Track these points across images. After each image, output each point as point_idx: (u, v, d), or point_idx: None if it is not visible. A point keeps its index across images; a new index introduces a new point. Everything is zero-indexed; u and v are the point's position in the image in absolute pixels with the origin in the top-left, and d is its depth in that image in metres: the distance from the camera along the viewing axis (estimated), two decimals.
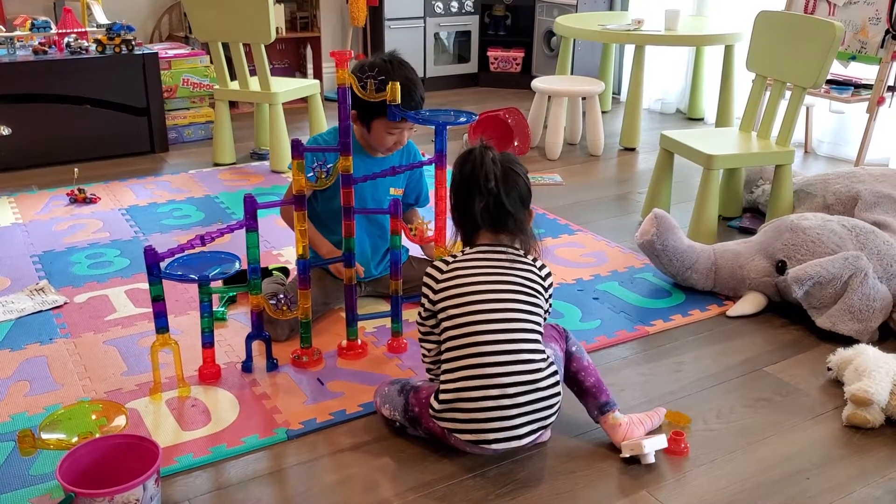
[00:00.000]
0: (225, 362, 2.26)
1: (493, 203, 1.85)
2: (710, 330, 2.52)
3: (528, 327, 1.80)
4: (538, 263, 1.89)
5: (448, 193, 1.99)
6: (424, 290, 1.89)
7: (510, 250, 1.88)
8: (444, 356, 1.83)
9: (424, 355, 1.96)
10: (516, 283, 1.84)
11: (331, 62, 5.51)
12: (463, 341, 1.79)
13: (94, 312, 2.56)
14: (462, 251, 1.90)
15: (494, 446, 1.79)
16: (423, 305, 1.89)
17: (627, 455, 1.85)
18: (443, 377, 1.82)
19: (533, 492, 1.79)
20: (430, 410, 1.84)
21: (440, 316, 1.84)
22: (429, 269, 1.90)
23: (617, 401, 1.96)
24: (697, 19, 4.89)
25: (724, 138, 3.37)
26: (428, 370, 1.98)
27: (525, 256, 1.89)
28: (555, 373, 1.82)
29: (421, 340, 1.95)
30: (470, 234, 1.92)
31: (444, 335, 1.83)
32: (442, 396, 1.81)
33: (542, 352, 1.81)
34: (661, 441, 1.87)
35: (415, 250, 2.72)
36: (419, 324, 1.92)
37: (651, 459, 1.85)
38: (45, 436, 1.72)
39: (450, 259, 1.88)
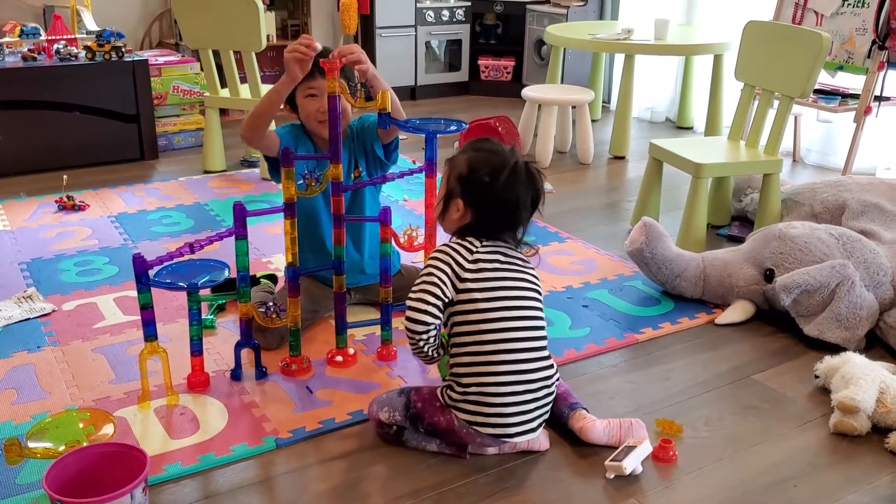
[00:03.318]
0: (214, 370, 2.25)
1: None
2: (699, 338, 2.53)
3: (543, 324, 1.91)
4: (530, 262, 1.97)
5: (481, 192, 1.87)
6: (446, 258, 1.85)
7: (513, 247, 1.93)
8: (466, 349, 1.84)
9: (417, 333, 1.84)
10: (530, 281, 1.91)
11: None
12: (492, 336, 1.82)
13: (83, 320, 2.55)
14: (480, 241, 1.88)
15: (515, 439, 1.87)
16: (429, 276, 1.83)
17: (611, 476, 1.84)
18: (463, 369, 1.85)
19: (522, 499, 1.79)
20: (447, 401, 1.87)
21: (462, 307, 1.83)
22: (454, 246, 1.87)
23: (606, 409, 2.00)
24: (687, 29, 4.92)
25: (712, 147, 3.39)
26: (418, 349, 1.89)
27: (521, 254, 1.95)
28: (555, 368, 1.93)
29: (422, 312, 1.82)
30: (483, 233, 1.90)
31: (467, 328, 1.84)
32: (463, 389, 1.84)
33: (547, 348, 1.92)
34: (643, 451, 1.87)
35: (403, 258, 2.72)
36: (426, 298, 1.81)
37: (639, 470, 1.86)
38: (31, 444, 1.71)
39: (471, 247, 1.87)
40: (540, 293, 1.93)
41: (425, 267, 1.89)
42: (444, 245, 1.90)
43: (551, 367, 1.90)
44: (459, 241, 1.90)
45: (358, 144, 2.48)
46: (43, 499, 1.72)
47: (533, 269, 1.94)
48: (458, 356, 1.87)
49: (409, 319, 1.84)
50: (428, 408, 1.90)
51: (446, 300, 1.84)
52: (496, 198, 1.87)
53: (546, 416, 1.92)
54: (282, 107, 2.44)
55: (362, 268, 2.54)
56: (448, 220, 1.94)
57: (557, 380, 1.94)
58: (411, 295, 1.86)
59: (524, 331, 1.85)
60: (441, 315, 1.86)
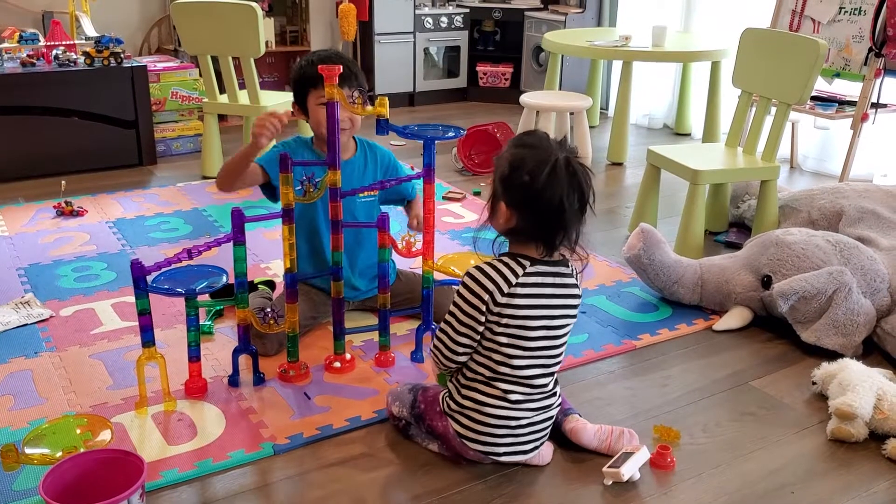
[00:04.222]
0: (211, 376, 2.25)
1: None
2: (697, 344, 2.53)
3: (562, 358, 1.87)
4: (575, 273, 1.84)
5: (522, 194, 1.71)
6: (483, 292, 1.73)
7: (563, 269, 1.80)
8: (472, 365, 1.83)
9: (450, 366, 1.85)
10: (566, 315, 1.81)
11: None
12: (500, 368, 1.80)
13: (80, 326, 2.54)
14: (524, 268, 1.75)
15: (503, 458, 1.86)
16: (464, 312, 1.76)
17: (609, 483, 1.84)
18: (465, 381, 1.84)
19: None
20: (445, 408, 1.87)
21: (486, 333, 1.78)
22: (494, 274, 1.73)
23: (604, 415, 2.01)
24: (684, 36, 4.93)
25: (710, 154, 3.40)
26: (444, 362, 1.87)
27: (571, 272, 1.82)
28: (559, 392, 1.92)
29: (452, 353, 1.81)
30: (531, 239, 1.76)
31: (485, 351, 1.80)
32: (460, 400, 1.84)
33: (557, 379, 1.91)
34: (641, 458, 1.87)
35: (402, 264, 2.71)
36: (451, 344, 1.80)
37: (637, 476, 1.86)
38: (28, 450, 1.71)
39: (512, 277, 1.73)
40: (574, 316, 1.83)
41: (460, 294, 1.77)
42: (488, 268, 1.76)
43: (554, 394, 1.88)
44: (505, 263, 1.75)
45: (380, 173, 2.54)
46: None
47: (577, 288, 1.82)
48: (464, 367, 1.86)
49: (436, 360, 1.86)
50: (429, 410, 1.91)
51: (480, 333, 1.79)
52: (537, 199, 1.69)
53: (544, 439, 1.90)
54: (293, 113, 2.46)
55: (353, 284, 2.54)
56: (496, 223, 1.78)
57: (559, 405, 1.92)
58: (443, 333, 1.81)
59: (535, 368, 1.80)
60: (475, 346, 1.81)
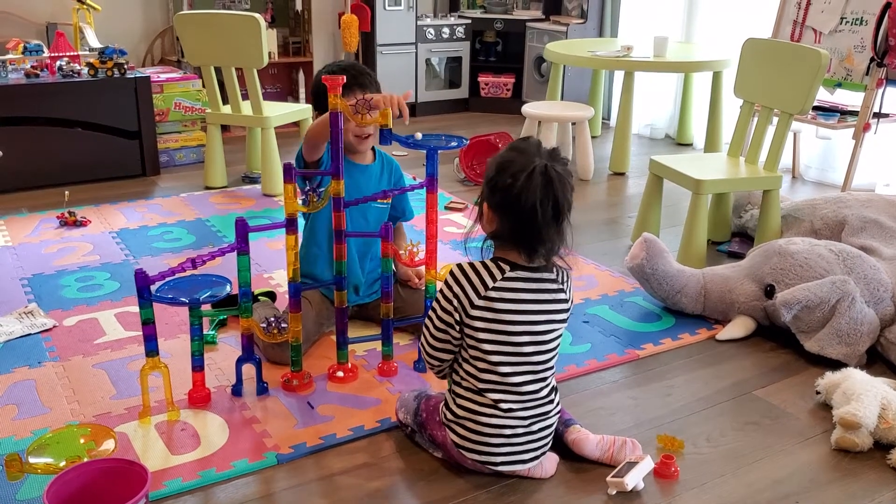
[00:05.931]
0: (215, 386, 2.25)
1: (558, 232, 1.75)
2: (700, 354, 2.53)
3: (553, 364, 1.86)
4: (564, 281, 1.82)
5: (501, 196, 1.71)
6: (458, 292, 1.76)
7: (546, 276, 1.79)
8: (463, 375, 1.83)
9: (433, 366, 1.91)
10: (552, 320, 1.80)
11: None
12: (489, 377, 1.80)
13: (84, 335, 2.55)
14: (502, 272, 1.75)
15: (500, 468, 1.85)
16: (442, 308, 1.79)
17: (613, 493, 1.84)
18: (459, 390, 1.84)
19: None
20: (443, 418, 1.88)
21: (466, 340, 1.80)
22: (472, 276, 1.76)
23: (607, 425, 2.01)
24: (686, 46, 4.95)
25: (712, 163, 3.40)
26: (437, 370, 1.93)
27: (557, 279, 1.81)
28: (556, 400, 1.90)
29: (430, 356, 1.88)
30: (508, 244, 1.77)
31: (467, 356, 1.81)
32: (455, 410, 1.84)
33: (556, 387, 1.90)
34: (645, 468, 1.87)
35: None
36: (429, 342, 1.86)
37: (640, 486, 1.85)
38: (32, 460, 1.71)
39: (488, 281, 1.74)
40: (561, 323, 1.82)
41: (441, 291, 1.81)
42: (468, 268, 1.77)
43: (551, 402, 1.86)
44: (486, 266, 1.76)
45: (392, 184, 2.57)
46: None
47: (564, 293, 1.81)
48: (458, 376, 1.86)
49: (422, 355, 1.93)
50: (429, 420, 1.92)
51: (459, 337, 1.82)
52: (514, 203, 1.68)
53: (545, 449, 1.89)
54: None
55: (358, 287, 2.54)
56: (482, 225, 1.80)
57: (559, 412, 1.91)
58: (426, 328, 1.87)
59: (523, 375, 1.80)
60: (456, 348, 1.85)
